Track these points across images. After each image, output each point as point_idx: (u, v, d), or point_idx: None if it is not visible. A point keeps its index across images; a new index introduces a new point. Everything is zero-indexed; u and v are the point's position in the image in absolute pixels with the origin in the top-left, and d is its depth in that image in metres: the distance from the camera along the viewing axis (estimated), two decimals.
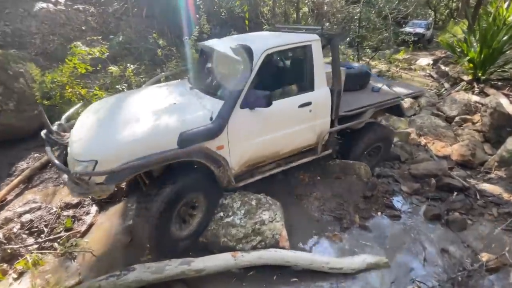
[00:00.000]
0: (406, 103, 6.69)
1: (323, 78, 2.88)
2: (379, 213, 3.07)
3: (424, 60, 10.31)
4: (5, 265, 2.36)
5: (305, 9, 10.56)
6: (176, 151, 2.09)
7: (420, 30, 13.49)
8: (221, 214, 2.56)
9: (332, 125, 3.08)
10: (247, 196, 2.70)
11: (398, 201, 3.28)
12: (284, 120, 2.73)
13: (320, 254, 2.53)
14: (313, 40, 2.75)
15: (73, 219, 2.89)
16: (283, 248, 2.39)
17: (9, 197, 3.20)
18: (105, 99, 2.98)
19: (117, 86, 4.93)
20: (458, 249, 2.66)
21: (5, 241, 2.54)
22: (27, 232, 2.71)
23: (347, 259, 2.43)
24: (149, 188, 2.35)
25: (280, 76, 3.17)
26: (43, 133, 2.31)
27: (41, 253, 2.51)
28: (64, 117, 2.73)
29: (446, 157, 4.15)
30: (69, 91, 4.32)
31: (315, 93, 2.83)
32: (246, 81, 2.39)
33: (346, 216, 2.95)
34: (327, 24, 10.03)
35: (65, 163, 2.18)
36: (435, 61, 9.56)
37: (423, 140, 4.64)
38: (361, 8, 7.93)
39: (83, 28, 6.11)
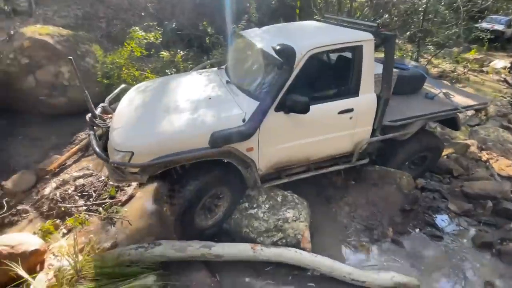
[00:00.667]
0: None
1: (370, 82, 2.57)
2: (417, 230, 2.80)
3: (500, 63, 8.87)
4: (58, 221, 2.75)
5: None
6: (206, 151, 2.11)
7: (499, 27, 11.56)
8: (246, 205, 2.59)
9: (373, 134, 2.80)
10: (273, 191, 2.69)
11: (442, 220, 2.95)
12: (321, 126, 2.54)
13: (343, 263, 2.41)
14: (366, 40, 2.44)
15: (117, 189, 3.21)
16: (304, 249, 2.34)
17: (68, 162, 3.68)
18: (147, 83, 3.04)
19: (166, 71, 5.24)
20: (506, 285, 2.31)
21: (61, 200, 2.94)
22: (79, 194, 3.10)
23: (372, 273, 2.27)
24: (178, 179, 2.39)
25: (322, 77, 2.93)
26: (87, 117, 2.38)
27: (88, 214, 2.86)
28: (107, 99, 2.79)
29: (511, 178, 3.57)
30: (125, 72, 4.72)
31: (359, 99, 2.56)
32: (284, 84, 2.25)
33: (378, 227, 2.76)
34: (386, 16, 9.16)
35: (106, 147, 2.30)
36: None
37: (484, 155, 4.05)
38: None
39: (142, 14, 6.55)
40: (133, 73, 4.76)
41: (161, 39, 5.18)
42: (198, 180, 2.28)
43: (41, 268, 2.30)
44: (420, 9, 7.52)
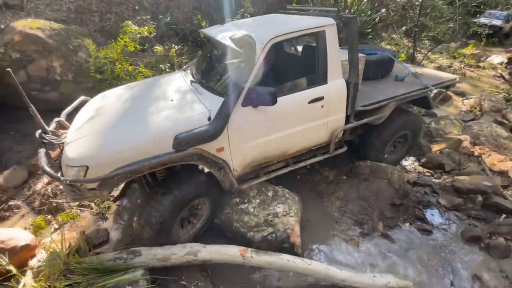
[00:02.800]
0: (466, 105, 5.91)
1: (338, 69, 2.54)
2: (407, 224, 2.82)
3: (497, 58, 8.85)
4: (49, 216, 2.75)
5: None
6: (170, 156, 1.94)
7: (497, 22, 11.52)
8: (237, 200, 2.60)
9: (347, 121, 2.78)
10: (264, 186, 2.70)
11: (432, 215, 2.97)
12: (292, 118, 2.46)
13: (336, 267, 2.25)
14: (327, 25, 2.39)
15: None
16: (293, 243, 2.36)
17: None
18: (107, 92, 2.83)
19: (160, 65, 5.19)
20: (494, 279, 2.34)
21: (52, 196, 2.94)
22: None
23: (366, 278, 2.17)
24: (152, 192, 2.25)
25: (288, 68, 2.87)
26: (37, 133, 2.16)
27: (80, 209, 2.86)
28: (64, 112, 2.57)
29: (503, 173, 3.59)
30: (118, 67, 4.67)
31: (329, 87, 2.51)
32: (248, 76, 2.15)
33: (368, 221, 2.78)
34: (384, 10, 9.10)
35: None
36: (511, 60, 8.15)
37: (477, 150, 4.07)
38: None
39: (136, 7, 6.46)
40: (126, 68, 4.72)
41: (155, 33, 5.12)
42: (173, 194, 2.12)
43: (32, 262, 2.30)
44: (416, 3, 7.48)
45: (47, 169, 1.88)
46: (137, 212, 2.26)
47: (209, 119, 2.06)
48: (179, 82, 2.70)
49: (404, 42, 8.77)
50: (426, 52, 7.95)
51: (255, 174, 2.59)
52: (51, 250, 2.08)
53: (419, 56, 7.75)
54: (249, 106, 2.19)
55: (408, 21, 8.05)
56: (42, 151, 2.06)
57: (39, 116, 2.12)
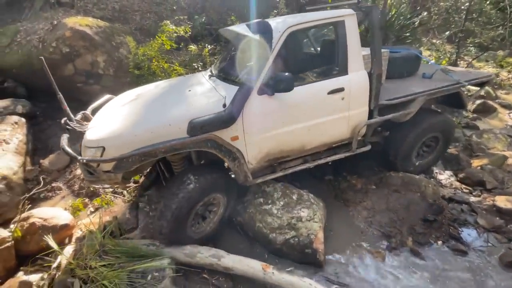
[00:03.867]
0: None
1: (359, 60, 2.45)
2: (439, 242, 2.65)
3: None
4: (86, 200, 2.96)
5: None
6: (183, 140, 1.95)
7: None
8: (261, 200, 2.61)
9: (370, 116, 2.63)
10: (289, 189, 2.68)
11: (468, 235, 2.76)
12: (310, 109, 2.37)
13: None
14: (347, 15, 2.35)
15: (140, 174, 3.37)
16: (316, 250, 2.32)
17: None
18: (131, 90, 2.90)
19: (193, 64, 5.36)
20: None
21: None
22: None
23: None
24: (168, 185, 2.28)
25: (307, 58, 2.80)
26: (62, 120, 2.31)
27: (114, 196, 3.04)
28: (90, 107, 2.69)
29: None
30: (155, 64, 4.91)
31: (349, 78, 2.43)
32: (264, 63, 2.12)
33: (396, 235, 2.65)
34: (425, 13, 8.62)
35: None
36: None
37: None
38: None
39: (174, 8, 6.73)
40: (162, 65, 4.93)
41: (190, 33, 5.31)
42: (187, 188, 2.11)
43: (69, 242, 2.50)
44: (462, 7, 6.99)
45: (67, 148, 2.00)
46: (154, 206, 2.32)
47: (224, 105, 2.05)
48: (198, 78, 2.79)
49: (447, 48, 8.24)
50: (470, 60, 7.40)
51: (271, 169, 2.52)
52: (89, 231, 2.24)
53: (462, 64, 7.24)
54: (265, 95, 2.16)
55: (452, 26, 7.55)
56: (65, 135, 2.20)
57: (65, 104, 2.28)
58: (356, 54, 2.44)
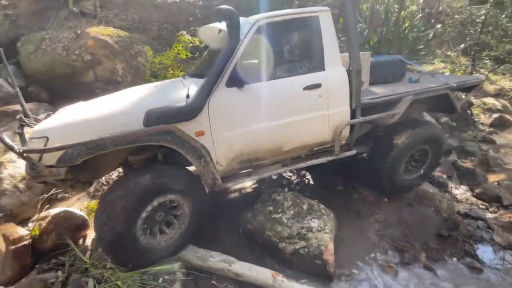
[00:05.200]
0: None
1: (336, 56, 2.39)
2: (454, 259, 2.57)
3: None
4: None
5: (413, 7, 9.28)
6: (136, 131, 1.75)
7: None
8: (271, 208, 2.61)
9: (353, 116, 2.52)
10: (299, 199, 2.67)
11: (484, 252, 2.67)
12: (285, 104, 2.25)
13: None
14: (321, 11, 2.33)
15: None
16: (326, 261, 2.29)
17: None
18: (101, 97, 2.63)
19: None
20: None
21: (105, 183, 3.25)
22: None
23: None
24: (118, 180, 2.06)
25: (283, 54, 2.73)
26: (18, 116, 2.16)
27: None
28: (59, 110, 2.52)
29: None
30: (170, 72, 5.07)
31: (326, 73, 2.35)
32: (232, 53, 2.00)
33: (409, 250, 2.59)
34: (439, 26, 8.58)
35: None
36: None
37: None
38: (488, 10, 6.45)
39: (190, 19, 6.97)
40: (177, 74, 5.09)
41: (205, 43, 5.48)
42: (143, 176, 1.87)
43: (84, 242, 2.56)
44: (478, 20, 6.93)
45: (5, 138, 1.68)
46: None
47: (187, 96, 1.92)
48: (174, 80, 2.75)
49: (462, 60, 8.13)
50: (486, 73, 7.27)
51: (246, 173, 2.36)
52: None
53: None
54: (235, 88, 2.05)
55: (467, 38, 7.47)
56: (18, 129, 2.02)
57: (22, 99, 2.18)
58: (333, 50, 2.38)
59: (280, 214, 2.55)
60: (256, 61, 2.05)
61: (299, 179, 3.50)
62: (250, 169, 2.42)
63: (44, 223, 2.45)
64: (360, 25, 7.19)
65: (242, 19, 2.18)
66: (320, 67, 2.37)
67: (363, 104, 2.48)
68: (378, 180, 2.96)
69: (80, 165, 1.76)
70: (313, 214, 2.54)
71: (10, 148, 1.68)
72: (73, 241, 2.41)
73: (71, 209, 2.86)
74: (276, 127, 2.26)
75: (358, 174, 3.29)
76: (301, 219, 2.50)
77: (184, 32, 5.39)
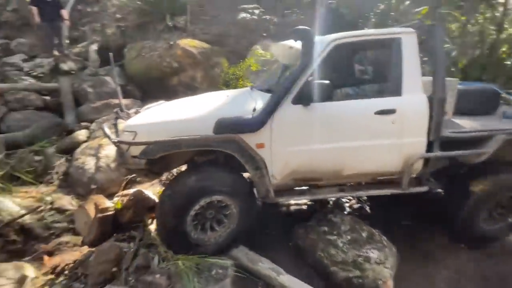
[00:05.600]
0: None
1: (416, 81, 2.18)
2: None
3: None
4: None
5: None
6: (206, 137, 1.97)
7: None
8: (325, 228, 2.52)
9: (429, 149, 2.23)
10: (359, 225, 2.52)
11: None
12: (353, 127, 2.15)
13: None
14: (404, 33, 2.17)
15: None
16: None
17: None
18: (182, 98, 3.00)
19: None
20: None
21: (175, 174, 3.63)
22: None
23: None
24: (171, 180, 2.30)
25: (354, 74, 2.57)
26: (115, 110, 2.64)
27: None
28: (144, 107, 2.91)
29: None
30: (241, 82, 5.47)
31: (403, 99, 2.15)
32: (302, 72, 2.02)
33: None
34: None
35: None
36: None
37: None
38: None
39: (264, 34, 7.42)
40: (246, 84, 5.45)
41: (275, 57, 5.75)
42: (194, 176, 2.06)
43: (151, 222, 2.89)
44: None
45: (107, 130, 2.18)
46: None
47: (254, 109, 2.05)
48: (243, 91, 2.89)
49: None
50: None
51: (298, 192, 2.33)
52: None
53: None
54: (301, 105, 2.05)
55: None
56: (112, 122, 2.48)
57: (121, 96, 2.70)
58: (413, 75, 2.19)
59: (335, 237, 2.44)
60: (326, 81, 2.02)
61: (359, 205, 3.30)
62: (304, 188, 2.39)
63: (125, 200, 2.87)
64: (448, 45, 6.51)
65: (318, 38, 2.23)
66: (397, 91, 2.21)
67: (443, 138, 2.20)
68: (452, 226, 2.59)
69: (155, 158, 2.00)
70: (373, 245, 2.36)
71: (108, 138, 2.11)
72: (144, 220, 2.76)
73: (147, 192, 3.29)
74: (339, 149, 2.18)
75: (431, 210, 2.92)
76: (358, 247, 2.34)
77: (258, 46, 5.77)
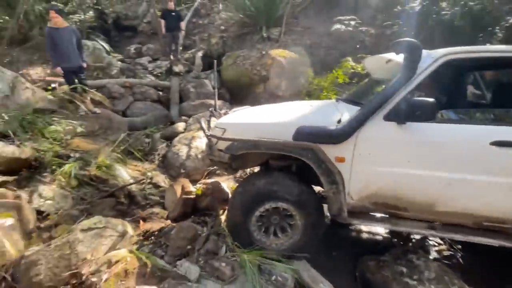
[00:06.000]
0: None
1: None
2: None
3: None
4: None
5: None
6: (285, 142, 1.97)
7: None
8: (403, 269, 2.21)
9: None
10: (448, 275, 2.10)
11: None
12: (456, 156, 1.80)
13: None
14: None
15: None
16: None
17: None
18: (267, 105, 3.12)
19: None
20: None
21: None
22: None
23: None
24: (245, 178, 2.46)
25: (466, 95, 2.16)
26: (210, 108, 2.87)
27: None
28: (233, 109, 3.22)
29: None
30: (324, 94, 5.38)
31: None
32: (401, 86, 1.81)
33: None
34: None
35: None
36: None
37: None
38: None
39: (358, 46, 7.09)
40: (330, 96, 5.33)
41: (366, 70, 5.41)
42: (261, 181, 2.14)
43: (223, 213, 3.18)
44: None
45: (203, 124, 2.43)
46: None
47: (339, 121, 1.97)
48: (326, 101, 2.83)
49: None
50: None
51: (377, 219, 2.11)
52: None
53: None
54: (393, 123, 1.85)
55: None
56: (208, 118, 2.74)
57: (216, 97, 3.01)
58: None
59: (415, 282, 2.11)
60: (430, 99, 1.78)
61: (451, 252, 2.76)
62: (384, 215, 2.15)
63: (205, 188, 3.25)
64: None
65: (424, 52, 1.98)
66: None
67: None
68: None
69: (236, 155, 2.17)
70: None
71: (203, 131, 2.42)
72: (217, 210, 3.06)
73: (223, 184, 3.63)
74: (435, 179, 1.87)
75: None
76: None
77: (349, 58, 5.56)
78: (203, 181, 3.41)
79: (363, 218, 2.12)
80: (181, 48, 8.32)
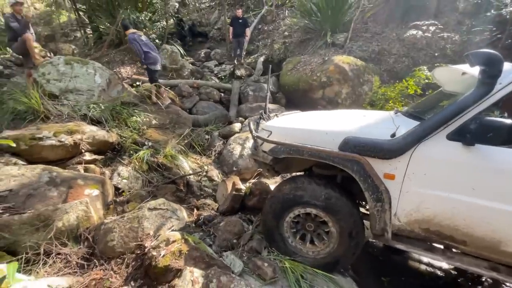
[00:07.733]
0: None
1: None
2: None
3: None
4: None
5: None
6: (330, 151, 1.88)
7: None
8: None
9: None
10: None
11: None
12: None
13: None
14: None
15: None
16: None
17: None
18: (318, 111, 3.11)
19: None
20: None
21: None
22: None
23: None
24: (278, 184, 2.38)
25: None
26: (260, 111, 2.93)
27: None
28: (282, 113, 3.18)
29: None
30: (390, 104, 4.97)
31: None
32: (474, 103, 1.61)
33: None
34: None
35: None
36: None
37: None
38: None
39: (436, 54, 6.34)
40: (397, 107, 4.89)
41: None
42: (280, 189, 2.15)
43: None
44: None
45: (251, 126, 2.43)
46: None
47: (393, 135, 1.79)
48: (382, 112, 2.63)
49: None
50: None
51: (426, 246, 1.88)
52: None
53: None
54: (458, 143, 1.66)
55: None
56: (257, 121, 2.70)
57: (268, 101, 3.13)
58: None
59: None
60: (508, 120, 1.55)
61: None
62: (436, 245, 1.93)
63: (253, 187, 3.37)
64: None
65: (507, 65, 1.72)
66: None
67: None
68: None
69: (279, 158, 2.17)
70: None
71: (250, 132, 2.43)
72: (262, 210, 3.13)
73: (271, 186, 3.69)
74: (506, 214, 1.62)
75: None
76: None
77: (424, 67, 5.02)
78: (252, 180, 3.53)
79: (410, 244, 1.91)
80: (245, 53, 8.76)
